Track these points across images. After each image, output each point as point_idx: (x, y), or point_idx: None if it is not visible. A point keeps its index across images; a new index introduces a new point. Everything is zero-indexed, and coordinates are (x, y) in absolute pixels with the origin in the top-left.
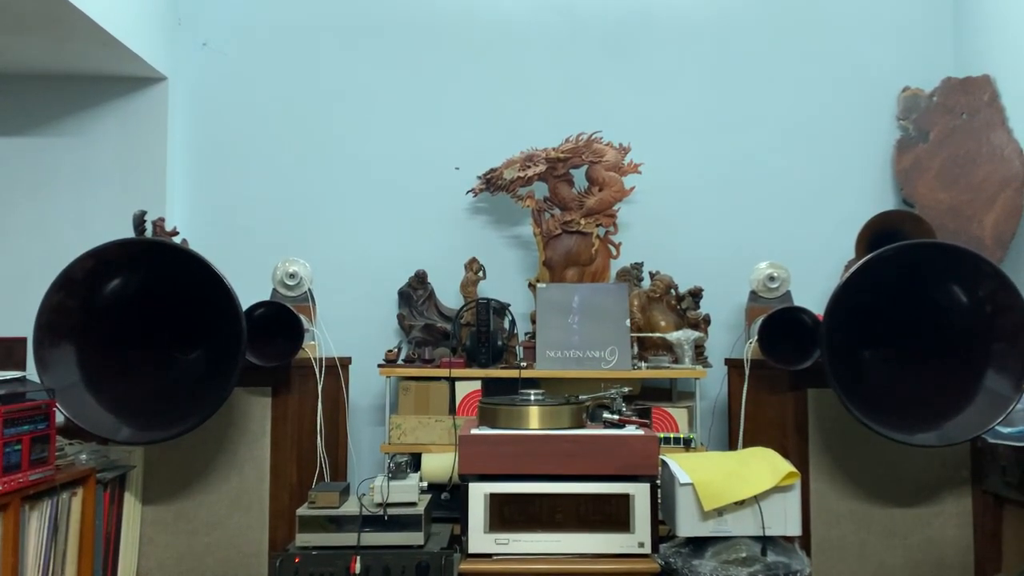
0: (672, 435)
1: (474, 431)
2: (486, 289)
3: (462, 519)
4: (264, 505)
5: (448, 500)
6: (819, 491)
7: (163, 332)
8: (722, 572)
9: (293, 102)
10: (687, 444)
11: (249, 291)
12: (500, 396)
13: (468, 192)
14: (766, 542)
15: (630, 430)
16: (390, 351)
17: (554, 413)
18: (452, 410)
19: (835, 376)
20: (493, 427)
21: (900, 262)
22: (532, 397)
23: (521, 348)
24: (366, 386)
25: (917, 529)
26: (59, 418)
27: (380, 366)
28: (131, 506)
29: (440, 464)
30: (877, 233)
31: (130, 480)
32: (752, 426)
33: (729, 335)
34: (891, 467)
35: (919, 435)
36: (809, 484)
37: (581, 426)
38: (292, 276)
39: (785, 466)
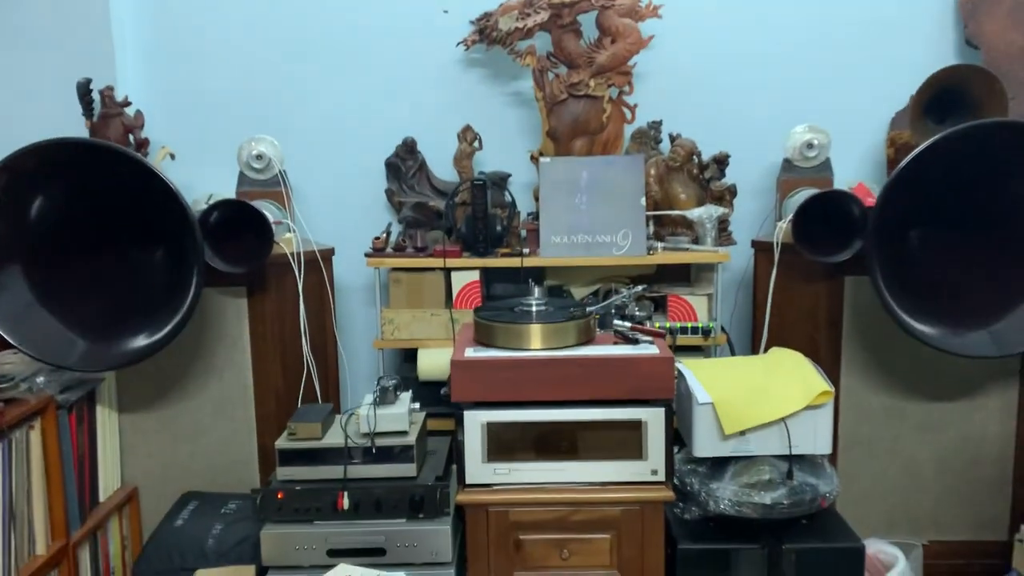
0: (690, 324)
1: (469, 353)
2: (484, 156)
3: (457, 449)
4: (250, 411)
5: (447, 395)
6: (850, 387)
7: (118, 237)
8: (743, 497)
9: None
10: (706, 334)
11: (216, 175)
12: (498, 307)
13: (459, 44)
14: (793, 463)
15: (643, 348)
16: (377, 238)
17: (558, 331)
18: (449, 303)
19: (881, 274)
20: (490, 347)
21: (968, 144)
22: (534, 309)
23: (524, 230)
24: (353, 278)
25: (954, 424)
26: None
27: (367, 255)
28: (106, 418)
29: (437, 360)
30: (938, 92)
31: (101, 393)
32: (779, 318)
33: (757, 206)
34: (932, 360)
35: (971, 335)
36: (840, 380)
37: (589, 342)
38: (259, 158)
39: (819, 383)
